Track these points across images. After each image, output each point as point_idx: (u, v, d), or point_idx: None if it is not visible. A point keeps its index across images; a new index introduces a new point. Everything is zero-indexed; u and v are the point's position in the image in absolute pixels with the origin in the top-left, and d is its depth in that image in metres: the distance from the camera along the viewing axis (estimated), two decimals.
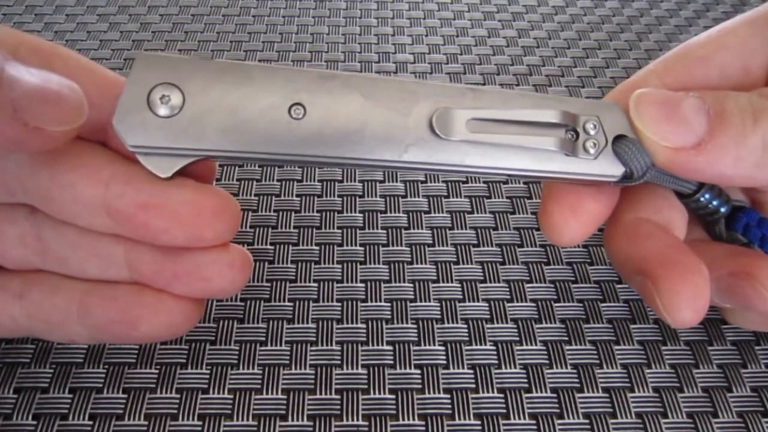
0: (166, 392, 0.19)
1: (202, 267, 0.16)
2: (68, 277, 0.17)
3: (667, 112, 0.16)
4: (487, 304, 0.22)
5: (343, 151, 0.16)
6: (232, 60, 0.15)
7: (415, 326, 0.21)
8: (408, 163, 0.16)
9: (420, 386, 0.19)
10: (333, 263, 0.23)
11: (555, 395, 0.19)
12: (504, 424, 0.19)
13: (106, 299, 0.16)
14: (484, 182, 0.26)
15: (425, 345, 0.20)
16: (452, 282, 0.22)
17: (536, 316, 0.21)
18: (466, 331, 0.21)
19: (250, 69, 0.15)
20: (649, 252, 0.17)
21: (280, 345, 0.20)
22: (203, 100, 0.15)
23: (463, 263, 0.23)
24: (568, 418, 0.19)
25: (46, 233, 0.16)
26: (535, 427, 0.19)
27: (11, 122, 0.13)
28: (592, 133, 0.17)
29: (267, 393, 0.19)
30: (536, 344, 0.21)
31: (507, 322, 0.21)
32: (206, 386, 0.19)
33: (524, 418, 0.19)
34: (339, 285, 0.22)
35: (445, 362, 0.20)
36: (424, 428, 0.18)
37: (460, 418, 0.19)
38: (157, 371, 0.19)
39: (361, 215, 0.24)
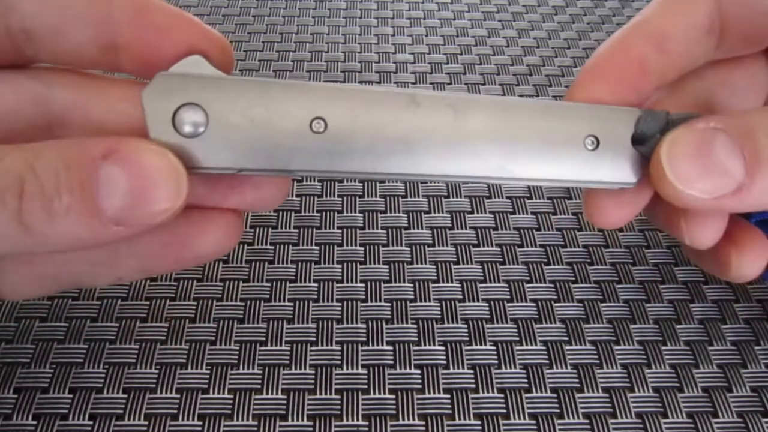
0: (166, 392, 0.19)
1: (254, 178, 0.17)
2: None
3: (701, 165, 0.15)
4: (487, 304, 0.22)
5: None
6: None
7: (415, 326, 0.21)
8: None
9: (420, 386, 0.19)
10: (333, 263, 0.23)
11: (555, 395, 0.19)
12: (504, 424, 0.19)
13: None
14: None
15: (425, 345, 0.20)
16: (452, 282, 0.22)
17: (536, 316, 0.21)
18: (466, 331, 0.21)
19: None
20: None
21: (280, 345, 0.20)
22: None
23: (463, 263, 0.23)
24: (568, 418, 0.19)
25: None
26: (535, 427, 0.19)
27: (105, 229, 0.14)
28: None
29: (267, 393, 0.19)
30: (536, 344, 0.21)
31: (507, 322, 0.21)
32: (206, 386, 0.19)
33: (524, 418, 0.19)
34: (339, 285, 0.22)
35: (445, 362, 0.20)
36: (424, 428, 0.18)
37: (460, 418, 0.19)
38: (157, 371, 0.19)
39: (361, 215, 0.24)
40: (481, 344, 0.20)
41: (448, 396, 0.19)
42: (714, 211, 0.17)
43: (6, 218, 0.13)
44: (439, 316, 0.21)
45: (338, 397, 0.19)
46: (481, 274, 0.22)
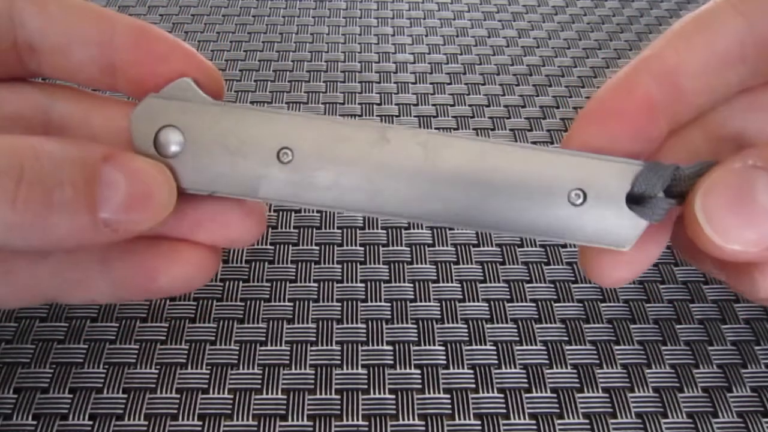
0: (166, 392, 0.19)
1: (222, 213, 0.17)
2: None
3: (745, 215, 0.13)
4: (487, 304, 0.22)
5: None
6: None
7: (415, 326, 0.21)
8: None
9: (420, 386, 0.19)
10: (333, 263, 0.23)
11: (555, 395, 0.19)
12: (504, 424, 0.19)
13: (125, 252, 0.16)
14: None
15: (425, 345, 0.20)
16: (452, 282, 0.22)
17: (536, 316, 0.21)
18: (466, 331, 0.21)
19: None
20: None
21: (280, 345, 0.20)
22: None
23: (463, 263, 0.23)
24: (568, 418, 0.19)
25: None
26: (535, 427, 0.19)
27: (94, 230, 0.14)
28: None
29: (267, 393, 0.19)
30: (536, 344, 0.21)
31: (507, 322, 0.21)
32: (206, 386, 0.19)
33: (524, 418, 0.19)
34: (339, 285, 0.22)
35: (445, 362, 0.20)
36: (424, 428, 0.18)
37: (460, 418, 0.19)
38: (157, 371, 0.19)
39: (361, 215, 0.24)
40: (481, 344, 0.20)
41: (448, 396, 0.19)
42: (764, 260, 0.14)
43: None
44: (439, 316, 0.21)
45: (338, 397, 0.19)
46: (481, 274, 0.22)
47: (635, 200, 0.15)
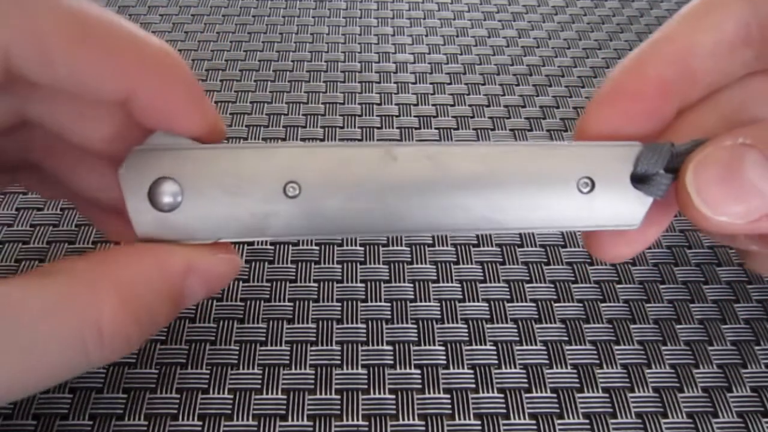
0: (166, 392, 0.19)
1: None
2: None
3: (733, 189, 0.14)
4: (487, 304, 0.22)
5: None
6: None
7: (415, 326, 0.21)
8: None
9: (420, 386, 0.19)
10: (333, 263, 0.23)
11: (555, 395, 0.19)
12: (504, 424, 0.19)
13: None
14: None
15: (425, 345, 0.20)
16: (452, 282, 0.22)
17: (536, 316, 0.21)
18: (466, 331, 0.21)
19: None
20: None
21: (280, 345, 0.20)
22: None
23: (463, 263, 0.23)
24: (568, 418, 0.19)
25: None
26: (535, 427, 0.19)
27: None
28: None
29: (267, 393, 0.19)
30: (536, 344, 0.21)
31: (507, 322, 0.21)
32: (206, 386, 0.19)
33: (524, 418, 0.19)
34: (339, 285, 0.22)
35: (445, 362, 0.20)
36: (424, 428, 0.18)
37: (460, 418, 0.19)
38: (157, 371, 0.19)
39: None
40: (481, 344, 0.20)
41: (448, 396, 0.19)
42: (751, 233, 0.15)
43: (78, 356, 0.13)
44: (439, 316, 0.21)
45: (338, 397, 0.19)
46: (481, 274, 0.22)
47: (638, 180, 0.15)
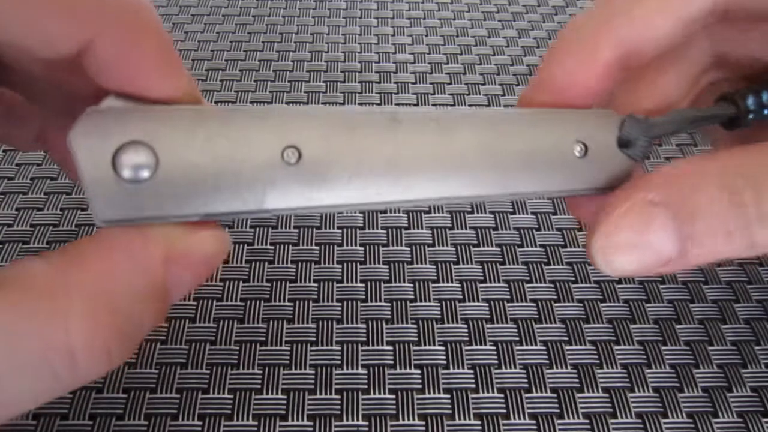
0: (166, 392, 0.19)
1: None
2: None
3: (634, 254, 0.14)
4: (487, 304, 0.22)
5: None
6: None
7: (415, 326, 0.21)
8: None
9: (420, 386, 0.19)
10: (333, 263, 0.23)
11: (555, 395, 0.19)
12: (504, 424, 0.19)
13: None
14: None
15: (425, 345, 0.20)
16: (452, 282, 0.22)
17: (536, 316, 0.21)
18: (466, 331, 0.21)
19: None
20: None
21: (280, 345, 0.20)
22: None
23: (463, 263, 0.23)
24: (568, 418, 0.19)
25: None
26: (535, 427, 0.19)
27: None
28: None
29: (267, 393, 0.19)
30: (536, 344, 0.21)
31: (507, 322, 0.21)
32: (206, 386, 0.19)
33: (524, 418, 0.19)
34: (339, 285, 0.22)
35: (445, 362, 0.20)
36: (424, 428, 0.18)
37: (460, 418, 0.19)
38: (157, 371, 0.19)
39: (361, 215, 0.24)
40: (481, 344, 0.20)
41: (448, 396, 0.19)
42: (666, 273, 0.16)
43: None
44: (439, 316, 0.21)
45: (338, 397, 0.19)
46: (481, 274, 0.22)
47: (623, 145, 0.16)
